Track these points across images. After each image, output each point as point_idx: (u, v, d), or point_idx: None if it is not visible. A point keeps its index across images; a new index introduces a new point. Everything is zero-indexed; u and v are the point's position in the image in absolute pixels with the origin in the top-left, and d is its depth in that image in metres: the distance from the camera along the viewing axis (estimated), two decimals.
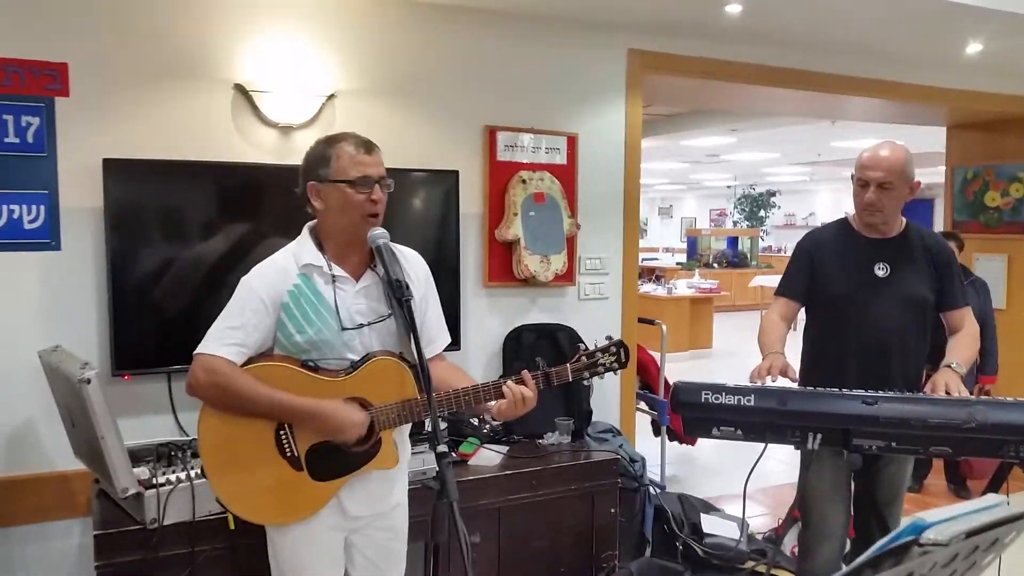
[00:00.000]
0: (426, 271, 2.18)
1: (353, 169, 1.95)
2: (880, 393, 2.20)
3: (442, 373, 2.13)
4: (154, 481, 2.28)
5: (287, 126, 2.95)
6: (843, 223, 2.78)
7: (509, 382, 2.04)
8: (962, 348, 2.61)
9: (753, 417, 2.24)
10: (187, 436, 2.65)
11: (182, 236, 2.75)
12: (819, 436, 2.20)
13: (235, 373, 1.91)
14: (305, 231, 2.07)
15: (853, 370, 2.58)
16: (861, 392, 2.20)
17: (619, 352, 2.16)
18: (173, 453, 2.49)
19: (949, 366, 2.49)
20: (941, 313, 2.70)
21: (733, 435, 2.29)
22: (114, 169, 2.63)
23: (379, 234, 1.97)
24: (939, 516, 1.08)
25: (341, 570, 2.12)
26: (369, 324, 2.02)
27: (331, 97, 3.01)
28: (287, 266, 2.00)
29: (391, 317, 2.04)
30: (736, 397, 2.25)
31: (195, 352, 1.93)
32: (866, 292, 2.63)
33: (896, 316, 2.61)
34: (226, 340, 1.92)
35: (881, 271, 2.64)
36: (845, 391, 2.23)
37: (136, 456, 2.41)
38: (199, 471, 2.34)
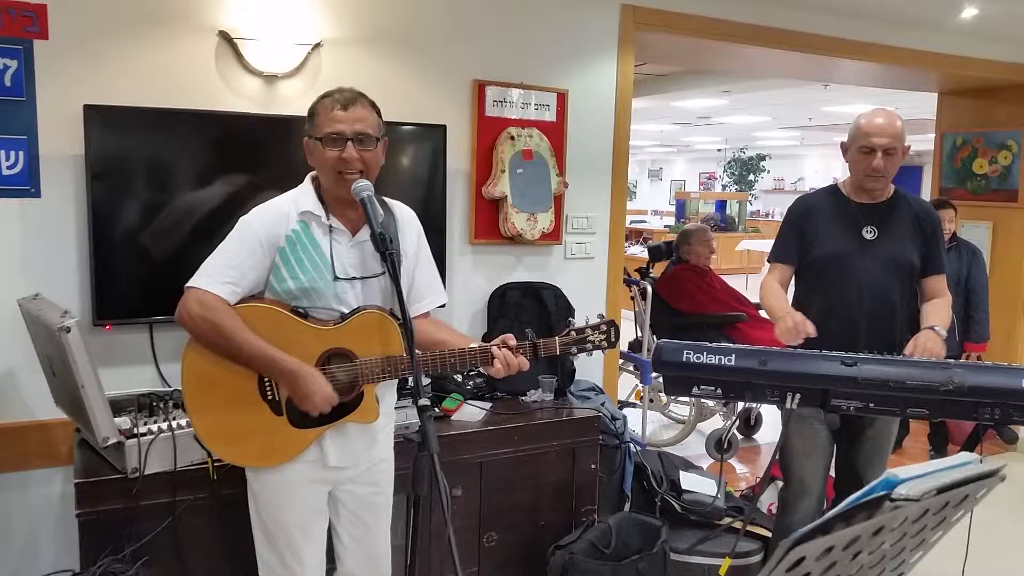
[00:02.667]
0: (419, 230, 2.19)
1: (326, 126, 1.95)
2: (859, 355, 2.23)
3: (430, 331, 2.16)
4: (135, 431, 2.28)
5: (271, 75, 2.89)
6: (833, 189, 2.83)
7: (497, 350, 2.05)
8: (942, 313, 2.67)
9: (733, 377, 2.27)
10: (169, 387, 2.65)
11: (165, 185, 2.70)
12: (798, 396, 2.23)
13: (228, 313, 1.91)
14: (308, 179, 2.08)
15: (836, 329, 2.61)
16: (841, 353, 2.23)
17: (609, 331, 2.19)
18: (155, 404, 2.49)
19: (932, 328, 2.54)
20: (921, 278, 2.73)
21: (713, 394, 2.32)
22: (95, 116, 2.57)
23: (363, 186, 1.95)
24: (911, 473, 1.10)
25: (324, 522, 2.14)
26: (362, 278, 2.03)
27: (317, 46, 2.95)
28: (287, 211, 2.00)
29: (383, 275, 2.05)
30: (717, 357, 2.27)
31: (188, 284, 1.93)
32: (852, 253, 2.68)
33: (881, 277, 2.66)
34: (222, 278, 1.92)
35: (869, 234, 2.69)
36: (825, 352, 2.25)
37: (118, 406, 2.41)
38: (181, 422, 2.34)
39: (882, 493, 1.02)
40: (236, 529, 2.26)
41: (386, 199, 2.08)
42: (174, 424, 2.33)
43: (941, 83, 5.30)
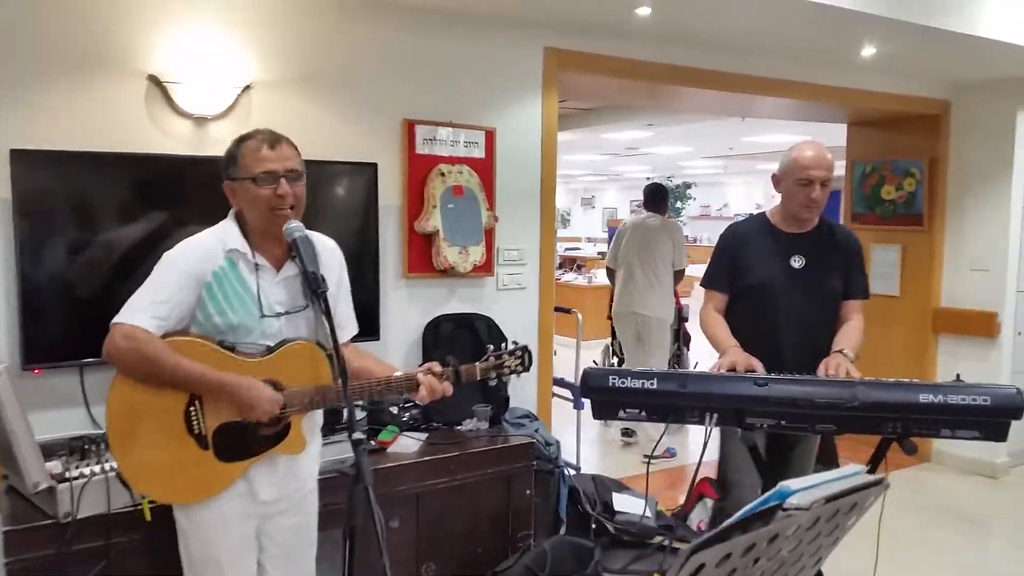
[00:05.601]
0: (341, 262, 2.25)
1: (256, 165, 2.00)
2: (771, 375, 2.37)
3: (352, 360, 2.21)
4: (67, 475, 2.27)
5: (201, 117, 2.93)
6: (762, 218, 2.94)
7: (423, 377, 2.13)
8: (852, 336, 2.80)
9: (656, 399, 2.39)
10: (100, 429, 2.63)
11: (93, 228, 2.71)
12: (715, 416, 2.36)
13: (155, 341, 1.93)
14: (230, 216, 2.11)
15: (762, 355, 2.74)
16: (752, 375, 2.37)
17: (523, 356, 2.32)
18: (86, 447, 2.47)
19: (841, 351, 2.69)
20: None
21: (638, 416, 2.43)
22: (21, 160, 2.57)
23: (295, 227, 2.02)
24: (802, 484, 1.21)
25: (255, 555, 2.15)
26: (287, 313, 2.08)
27: (247, 88, 3.01)
28: (213, 247, 2.04)
29: (307, 308, 2.10)
30: (640, 381, 2.39)
31: (113, 321, 1.94)
32: (780, 282, 2.79)
33: (807, 305, 2.78)
34: (148, 313, 1.94)
35: (797, 263, 2.81)
36: (738, 374, 2.39)
37: (48, 450, 2.38)
38: (114, 464, 2.33)
39: (775, 503, 1.13)
40: (171, 569, 2.26)
41: (308, 232, 2.10)
42: (107, 466, 2.32)
43: (849, 115, 5.63)
